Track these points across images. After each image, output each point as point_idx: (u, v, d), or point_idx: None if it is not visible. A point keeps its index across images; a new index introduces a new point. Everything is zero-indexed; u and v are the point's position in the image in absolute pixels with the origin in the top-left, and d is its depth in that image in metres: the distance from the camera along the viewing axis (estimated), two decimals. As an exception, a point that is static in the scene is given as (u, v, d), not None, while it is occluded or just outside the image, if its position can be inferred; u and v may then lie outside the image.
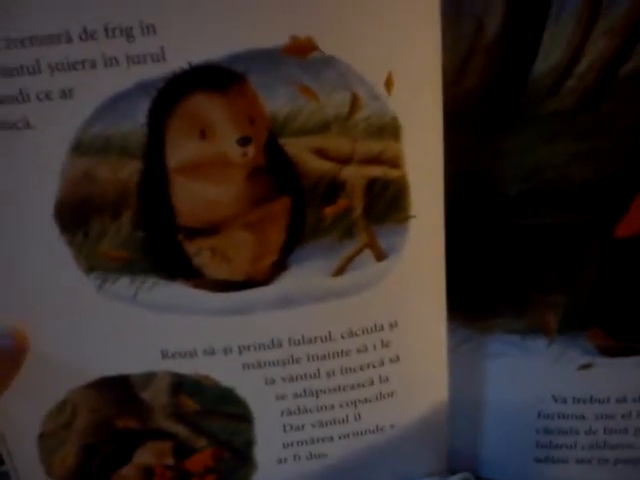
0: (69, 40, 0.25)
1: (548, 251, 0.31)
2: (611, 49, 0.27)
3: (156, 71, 0.26)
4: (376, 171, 0.28)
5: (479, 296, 0.33)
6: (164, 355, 0.31)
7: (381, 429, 0.34)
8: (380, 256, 0.30)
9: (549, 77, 0.28)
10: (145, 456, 0.34)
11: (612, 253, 0.31)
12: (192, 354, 0.31)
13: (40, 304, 0.30)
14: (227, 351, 0.31)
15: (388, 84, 0.27)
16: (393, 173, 0.28)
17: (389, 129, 0.28)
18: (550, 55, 0.28)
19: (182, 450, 0.34)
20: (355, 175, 0.28)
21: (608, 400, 0.34)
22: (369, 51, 0.26)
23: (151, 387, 0.32)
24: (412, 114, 0.28)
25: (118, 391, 0.32)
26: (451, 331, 0.33)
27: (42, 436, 0.33)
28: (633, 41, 0.27)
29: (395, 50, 0.27)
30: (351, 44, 0.26)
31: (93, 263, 0.29)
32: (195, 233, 0.29)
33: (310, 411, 0.33)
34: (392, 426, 0.34)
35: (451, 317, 0.33)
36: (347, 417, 0.33)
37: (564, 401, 0.34)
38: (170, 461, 0.34)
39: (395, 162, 0.28)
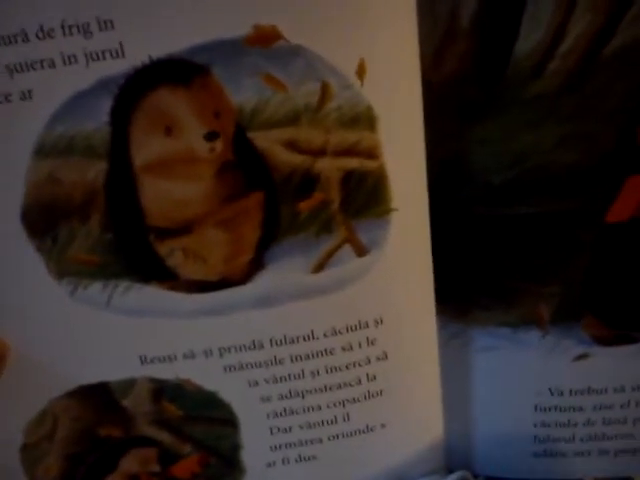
0: (26, 39, 0.24)
1: (537, 240, 0.30)
2: (594, 27, 0.26)
3: (116, 67, 0.25)
4: (352, 163, 0.27)
5: (468, 289, 0.32)
6: (143, 361, 0.30)
7: (371, 429, 0.33)
8: (361, 251, 0.29)
9: (531, 59, 0.27)
10: (130, 464, 0.33)
11: (604, 239, 0.30)
12: (171, 358, 0.30)
13: (14, 312, 0.29)
14: (207, 354, 0.30)
15: (360, 72, 0.26)
16: (370, 164, 0.27)
17: (363, 119, 0.27)
18: (531, 36, 0.26)
19: (168, 457, 0.33)
20: (330, 167, 0.27)
21: (606, 390, 0.33)
22: (338, 38, 0.25)
23: (132, 394, 0.31)
24: (388, 102, 0.27)
25: (98, 399, 0.31)
26: (441, 326, 0.32)
27: (25, 447, 0.32)
28: (616, 18, 0.26)
29: (367, 36, 0.26)
30: (318, 31, 0.25)
31: (63, 269, 0.28)
32: (166, 233, 0.28)
33: (297, 413, 0.32)
34: (383, 425, 0.33)
35: (440, 311, 0.32)
36: (335, 418, 0.32)
37: (561, 393, 0.33)
38: (156, 468, 0.33)
39: (372, 153, 0.27)
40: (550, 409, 0.34)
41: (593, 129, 0.28)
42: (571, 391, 0.33)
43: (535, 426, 0.34)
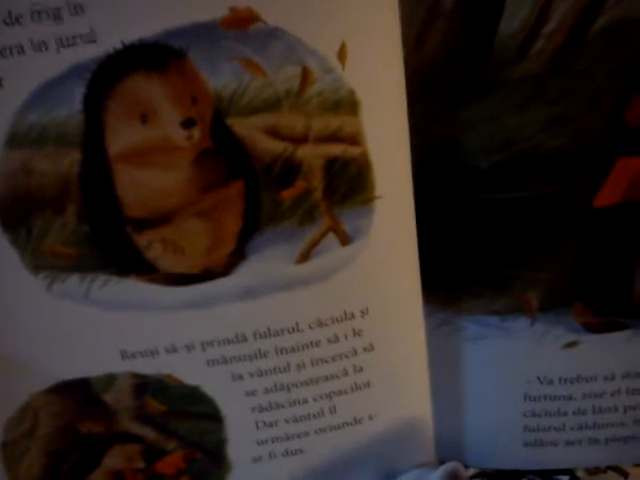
0: None
1: (526, 225, 0.30)
2: (579, 5, 0.25)
3: (89, 53, 0.24)
4: (335, 149, 0.27)
5: (454, 276, 0.31)
6: (124, 355, 0.29)
7: (359, 421, 0.33)
8: (345, 240, 0.28)
9: (516, 39, 0.26)
10: (114, 460, 0.33)
11: (593, 224, 0.29)
12: (153, 353, 0.29)
13: (-10, 307, 0.28)
14: (190, 348, 0.29)
15: (341, 55, 0.25)
16: (353, 151, 0.27)
17: (346, 104, 0.26)
18: (516, 15, 0.26)
19: (152, 453, 0.32)
20: (312, 154, 0.26)
21: (595, 378, 0.32)
22: (318, 20, 0.25)
23: (113, 389, 0.30)
24: (371, 86, 0.26)
25: (79, 395, 0.31)
26: (428, 315, 0.32)
27: (5, 445, 0.31)
28: (602, -5, 0.25)
29: (348, 18, 0.25)
30: (297, 13, 0.24)
31: (39, 262, 0.27)
32: (144, 224, 0.27)
33: (282, 406, 0.31)
34: (371, 417, 0.33)
35: (426, 300, 0.31)
36: (322, 411, 0.32)
37: (550, 382, 0.33)
38: (140, 464, 0.33)
39: (355, 139, 0.27)
40: (540, 398, 0.33)
41: (581, 111, 0.27)
42: (560, 379, 0.33)
43: (525, 415, 0.34)
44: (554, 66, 0.26)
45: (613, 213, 0.29)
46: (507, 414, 0.34)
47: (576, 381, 0.33)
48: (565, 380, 0.33)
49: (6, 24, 0.23)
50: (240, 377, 0.30)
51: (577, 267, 0.30)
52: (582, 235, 0.29)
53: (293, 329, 0.30)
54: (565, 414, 0.34)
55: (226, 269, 0.28)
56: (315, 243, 0.28)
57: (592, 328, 0.31)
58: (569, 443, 0.34)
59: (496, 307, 0.31)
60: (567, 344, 0.32)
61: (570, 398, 0.33)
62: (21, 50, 0.24)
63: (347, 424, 0.33)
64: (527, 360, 0.32)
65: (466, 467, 0.35)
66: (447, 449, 0.35)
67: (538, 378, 0.33)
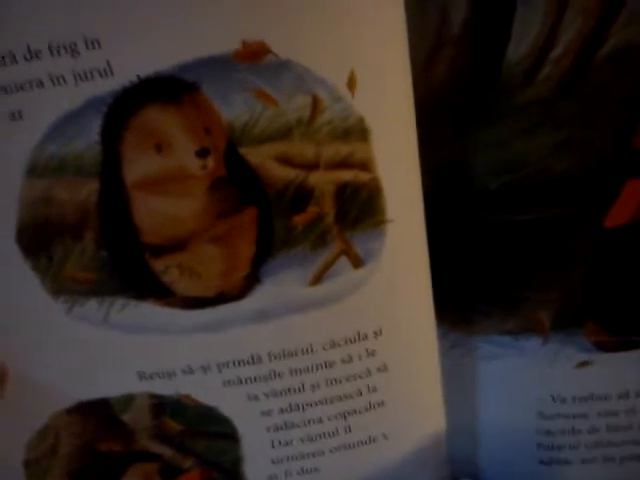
0: (14, 61, 0.24)
1: (535, 247, 0.30)
2: (586, 31, 0.26)
3: (105, 86, 0.25)
4: (346, 175, 0.27)
5: (467, 297, 0.31)
6: (141, 376, 0.30)
7: (374, 440, 0.33)
8: (357, 263, 0.29)
9: (523, 65, 0.27)
10: (133, 479, 0.33)
11: (603, 244, 0.29)
12: (170, 374, 0.30)
13: (13, 330, 0.29)
14: (206, 369, 0.30)
15: (351, 84, 0.26)
16: (364, 176, 0.27)
17: (355, 131, 0.26)
18: (523, 41, 0.26)
19: (170, 471, 0.33)
20: (323, 181, 0.27)
21: (610, 397, 0.33)
22: (327, 51, 0.25)
23: (131, 409, 0.31)
24: (380, 113, 0.27)
25: (99, 414, 0.31)
26: (441, 335, 0.32)
27: (27, 464, 0.32)
28: (608, 21, 0.25)
29: (356, 48, 0.25)
30: (307, 45, 0.25)
31: (60, 287, 0.28)
32: (161, 250, 0.28)
33: (297, 426, 0.32)
34: (385, 437, 0.33)
35: (440, 321, 0.31)
36: (337, 430, 0.32)
37: (563, 400, 0.33)
38: (158, 483, 0.33)
39: (365, 165, 0.27)
40: (554, 417, 0.33)
41: (588, 135, 0.27)
42: (574, 398, 0.33)
43: (539, 434, 0.34)
44: (561, 91, 0.27)
45: (623, 233, 0.29)
46: (521, 433, 0.34)
47: (590, 400, 0.33)
48: (579, 399, 0.33)
49: (25, 59, 0.24)
50: (256, 397, 0.31)
51: (587, 288, 0.30)
52: (592, 256, 0.30)
53: (307, 350, 0.30)
54: (580, 432, 0.34)
55: (241, 293, 0.29)
56: (328, 266, 0.28)
57: (605, 347, 0.32)
58: (584, 461, 0.34)
59: (508, 327, 0.31)
60: (579, 363, 0.32)
61: (584, 416, 0.33)
62: (40, 84, 0.25)
63: (362, 443, 0.33)
64: (540, 379, 0.33)
65: (481, 485, 0.36)
66: (462, 468, 0.35)
67: (552, 397, 0.33)
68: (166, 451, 0.32)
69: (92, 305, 0.28)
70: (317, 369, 0.30)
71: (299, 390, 0.31)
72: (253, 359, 0.30)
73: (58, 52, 0.24)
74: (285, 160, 0.26)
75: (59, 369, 0.30)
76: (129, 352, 0.29)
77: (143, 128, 0.26)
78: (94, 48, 0.24)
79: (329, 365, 0.31)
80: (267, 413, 0.31)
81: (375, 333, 0.30)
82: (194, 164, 0.26)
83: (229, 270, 0.28)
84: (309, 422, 0.32)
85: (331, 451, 0.33)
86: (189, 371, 0.30)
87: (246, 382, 0.30)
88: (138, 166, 0.26)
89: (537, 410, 0.33)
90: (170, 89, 0.25)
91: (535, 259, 0.30)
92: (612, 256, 0.30)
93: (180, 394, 0.31)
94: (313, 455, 0.33)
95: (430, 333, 0.31)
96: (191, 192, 0.27)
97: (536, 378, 0.32)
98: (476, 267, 0.31)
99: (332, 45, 0.25)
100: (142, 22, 0.24)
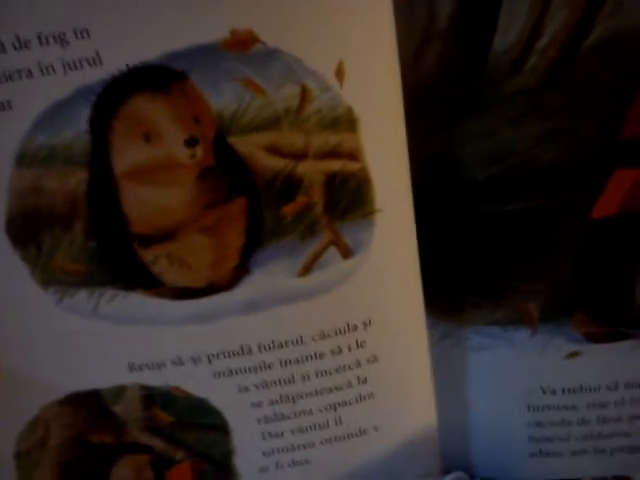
0: (3, 50, 0.24)
1: (523, 237, 0.30)
2: (571, 21, 0.26)
3: (94, 76, 0.25)
4: (334, 165, 0.27)
5: (454, 288, 0.31)
6: (131, 368, 0.30)
7: (364, 432, 0.33)
8: (346, 253, 0.29)
9: (510, 55, 0.27)
10: (123, 470, 0.33)
11: (590, 235, 0.30)
12: (160, 365, 0.30)
13: (2, 322, 0.29)
14: (196, 360, 0.30)
15: (339, 74, 0.26)
16: (353, 166, 0.27)
17: (344, 121, 0.26)
18: (509, 32, 0.26)
19: (161, 463, 0.33)
20: (312, 170, 0.27)
21: (599, 388, 0.33)
22: (316, 41, 0.25)
23: (122, 401, 0.31)
24: (368, 103, 0.27)
25: (89, 406, 0.31)
26: (431, 326, 0.32)
27: (18, 456, 0.32)
28: (593, 11, 0.25)
29: (345, 38, 0.25)
30: (296, 35, 0.25)
31: (49, 277, 0.28)
32: (150, 240, 0.28)
33: (288, 417, 0.32)
34: (376, 428, 0.33)
35: (430, 311, 0.31)
36: (327, 421, 0.32)
37: (553, 392, 0.33)
38: (149, 474, 0.33)
39: (354, 154, 0.27)
40: (543, 408, 0.33)
41: (575, 124, 0.27)
42: (564, 390, 0.33)
43: (529, 426, 0.34)
44: (548, 81, 0.27)
45: (610, 224, 0.29)
46: (512, 424, 0.34)
47: (579, 391, 0.33)
48: (568, 390, 0.33)
49: (15, 49, 0.24)
50: (246, 389, 0.31)
51: (575, 278, 0.30)
52: (579, 246, 0.30)
53: (297, 341, 0.30)
54: (570, 424, 0.34)
55: (230, 283, 0.29)
56: (317, 256, 0.29)
57: (594, 338, 0.32)
58: (574, 453, 0.35)
59: (497, 317, 0.31)
60: (569, 354, 0.32)
61: (574, 408, 0.33)
62: (29, 73, 0.25)
63: (352, 435, 0.33)
64: (530, 370, 0.33)
65: (471, 478, 0.36)
66: (452, 460, 0.35)
67: (541, 388, 0.33)
68: (157, 443, 0.33)
69: (82, 296, 0.28)
70: (307, 360, 0.31)
71: (289, 381, 0.31)
72: (243, 350, 0.30)
73: (47, 42, 0.24)
74: (274, 149, 0.26)
75: (49, 360, 0.30)
76: (119, 343, 0.30)
77: (132, 117, 0.26)
78: (83, 38, 0.24)
79: (319, 356, 0.31)
80: (257, 404, 0.31)
81: (364, 324, 0.30)
82: (183, 153, 0.26)
83: (218, 260, 0.28)
84: (299, 414, 0.32)
85: (322, 443, 0.33)
86: (179, 362, 0.30)
87: (236, 373, 0.30)
88: (127, 155, 0.26)
89: (527, 402, 0.33)
90: (159, 78, 0.25)
91: (523, 250, 0.30)
92: (600, 246, 0.30)
93: (170, 386, 0.31)
94: (304, 447, 0.33)
95: (419, 324, 0.31)
96: (180, 181, 0.27)
97: (525, 369, 0.33)
98: (464, 258, 0.31)
99: (321, 35, 0.25)
100: (131, 12, 0.24)
